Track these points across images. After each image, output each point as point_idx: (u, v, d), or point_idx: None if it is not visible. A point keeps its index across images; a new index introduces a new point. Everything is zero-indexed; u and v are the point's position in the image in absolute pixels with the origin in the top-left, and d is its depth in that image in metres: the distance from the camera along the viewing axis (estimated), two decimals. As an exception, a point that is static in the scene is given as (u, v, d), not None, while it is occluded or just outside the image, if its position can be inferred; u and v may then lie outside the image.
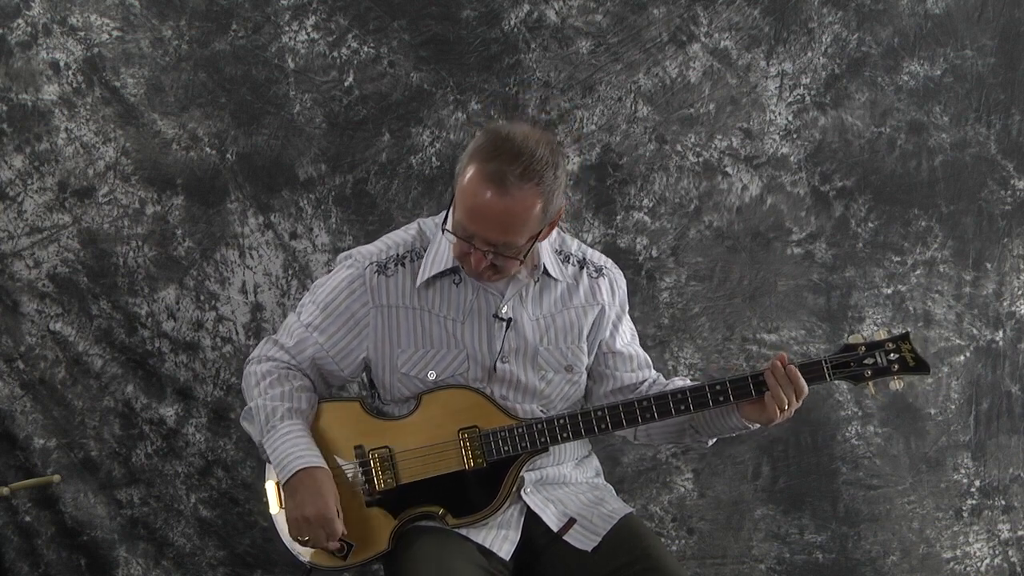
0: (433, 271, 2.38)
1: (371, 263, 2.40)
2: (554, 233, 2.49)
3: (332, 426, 2.40)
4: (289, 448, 2.32)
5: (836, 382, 2.64)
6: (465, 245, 2.27)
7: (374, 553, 2.36)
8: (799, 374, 2.34)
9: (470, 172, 2.22)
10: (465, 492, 2.35)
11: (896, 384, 2.40)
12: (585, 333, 2.48)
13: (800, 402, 2.36)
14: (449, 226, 2.31)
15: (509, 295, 2.40)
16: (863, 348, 2.40)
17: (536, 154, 2.21)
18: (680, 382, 2.53)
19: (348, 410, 2.42)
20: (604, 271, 2.52)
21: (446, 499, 2.35)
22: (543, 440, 2.35)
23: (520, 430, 2.35)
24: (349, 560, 2.36)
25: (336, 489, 2.33)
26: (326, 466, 2.34)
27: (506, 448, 2.35)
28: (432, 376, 2.39)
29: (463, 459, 2.35)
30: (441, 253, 2.38)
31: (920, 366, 2.39)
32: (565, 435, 2.36)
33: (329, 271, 2.49)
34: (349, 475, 2.37)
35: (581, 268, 2.49)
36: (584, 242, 3.42)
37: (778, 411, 2.34)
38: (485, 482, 2.35)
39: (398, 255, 2.41)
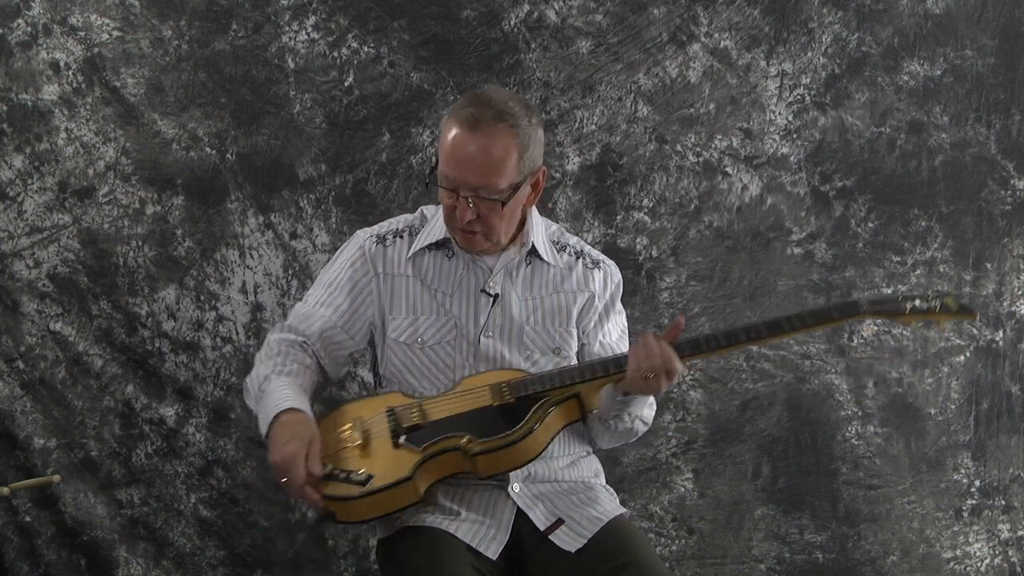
0: (427, 241, 2.46)
1: (370, 236, 2.50)
2: (553, 226, 2.56)
3: (369, 406, 2.40)
4: (272, 401, 2.34)
5: (870, 321, 2.58)
6: (451, 196, 2.34)
7: (396, 479, 2.26)
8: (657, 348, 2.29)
9: (448, 123, 2.34)
10: (491, 422, 2.30)
11: (942, 326, 2.34)
12: (574, 318, 2.51)
13: (679, 367, 2.28)
14: (430, 182, 2.39)
15: (498, 270, 2.45)
16: (901, 295, 2.36)
17: (508, 103, 2.33)
18: None
19: (388, 397, 2.43)
20: (601, 265, 2.56)
21: (471, 429, 2.30)
22: (570, 379, 2.33)
23: (549, 375, 2.35)
24: (369, 486, 2.25)
25: (315, 430, 2.30)
26: (305, 409, 2.33)
27: (534, 387, 2.34)
28: (419, 343, 2.43)
29: (491, 397, 2.34)
30: (437, 226, 2.47)
31: (964, 310, 2.32)
32: (592, 374, 2.33)
33: (345, 246, 2.54)
34: (378, 424, 2.35)
35: (577, 258, 2.54)
36: (584, 242, 3.44)
37: (646, 384, 2.29)
38: (512, 415, 2.31)
39: (397, 229, 2.51)
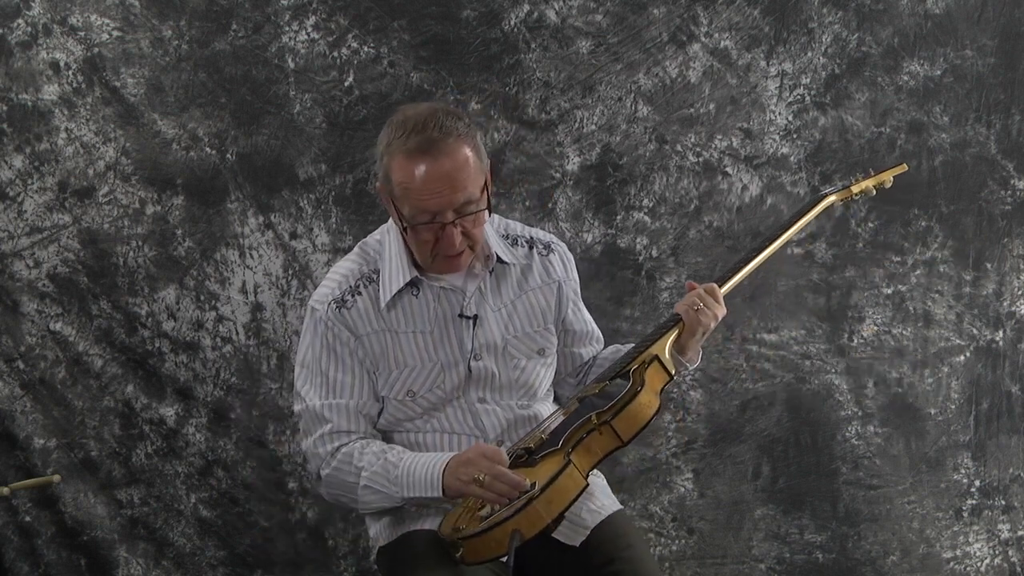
0: (394, 289, 2.39)
1: (329, 303, 2.41)
2: (496, 219, 2.53)
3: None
4: (420, 473, 2.30)
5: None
6: (433, 229, 2.30)
7: (556, 470, 2.20)
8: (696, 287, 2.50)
9: (396, 163, 2.28)
10: (602, 405, 2.29)
11: (886, 180, 2.90)
12: (552, 317, 2.52)
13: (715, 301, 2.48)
14: (407, 227, 2.32)
15: (470, 292, 2.43)
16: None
17: (437, 114, 2.29)
18: (614, 348, 2.65)
19: None
20: (553, 246, 2.56)
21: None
22: (642, 346, 2.42)
23: (622, 358, 2.42)
24: (535, 493, 2.19)
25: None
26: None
27: (619, 366, 2.39)
28: (410, 394, 2.40)
29: (586, 392, 2.37)
30: (395, 270, 2.40)
31: (894, 165, 2.93)
32: (657, 333, 2.44)
33: (308, 325, 2.46)
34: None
35: (531, 248, 2.53)
36: (584, 242, 3.45)
37: (699, 316, 2.43)
38: (610, 398, 2.30)
39: (351, 286, 2.43)
